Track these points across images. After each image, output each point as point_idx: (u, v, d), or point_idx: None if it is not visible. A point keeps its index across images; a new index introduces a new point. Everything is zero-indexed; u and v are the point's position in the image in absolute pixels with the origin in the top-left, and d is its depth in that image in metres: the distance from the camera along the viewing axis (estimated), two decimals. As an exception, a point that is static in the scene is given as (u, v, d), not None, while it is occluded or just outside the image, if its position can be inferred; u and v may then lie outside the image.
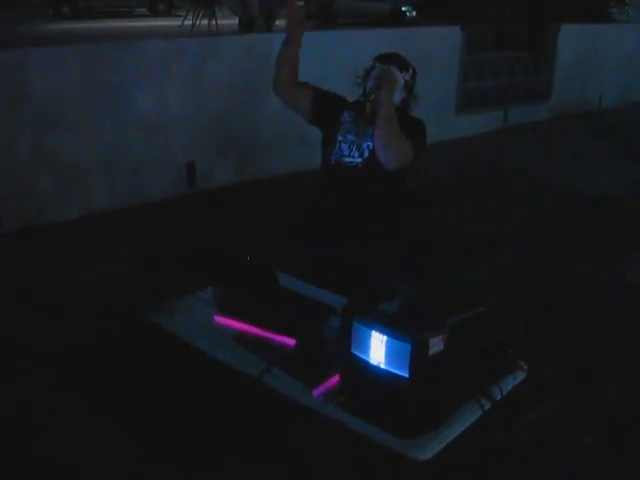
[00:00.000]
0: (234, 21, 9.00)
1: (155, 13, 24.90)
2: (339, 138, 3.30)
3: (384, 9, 22.93)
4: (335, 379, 2.41)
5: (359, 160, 3.25)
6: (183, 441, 3.22)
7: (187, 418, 3.30)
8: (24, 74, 5.79)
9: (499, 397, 2.39)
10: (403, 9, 23.26)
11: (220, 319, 2.88)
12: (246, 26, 8.45)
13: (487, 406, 2.34)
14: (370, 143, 3.21)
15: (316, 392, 2.40)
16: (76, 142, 6.16)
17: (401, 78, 3.26)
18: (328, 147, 3.37)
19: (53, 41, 12.60)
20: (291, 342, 2.65)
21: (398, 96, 3.25)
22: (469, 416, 2.32)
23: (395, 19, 22.03)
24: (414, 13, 23.35)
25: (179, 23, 9.84)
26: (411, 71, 3.32)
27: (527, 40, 10.32)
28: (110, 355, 3.90)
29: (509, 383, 2.50)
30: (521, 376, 2.57)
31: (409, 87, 3.31)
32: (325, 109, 3.39)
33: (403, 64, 3.30)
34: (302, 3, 20.46)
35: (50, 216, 5.86)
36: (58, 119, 5.99)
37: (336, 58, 7.41)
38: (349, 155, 3.27)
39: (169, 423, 3.34)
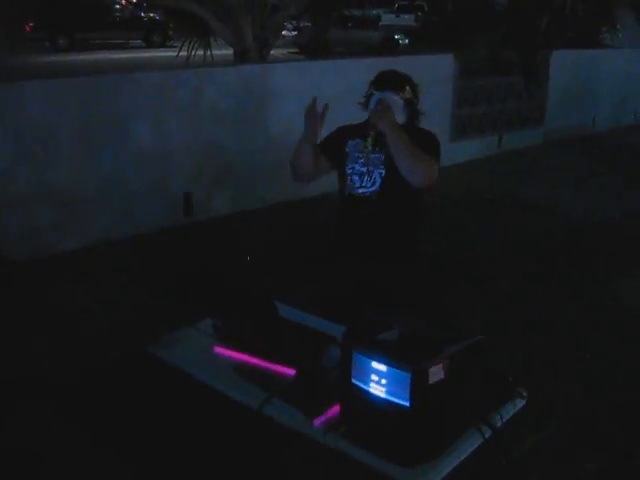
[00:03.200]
0: (229, 51, 9.08)
1: (150, 44, 25.10)
2: (348, 171, 3.33)
3: (377, 37, 23.19)
4: (336, 409, 2.41)
5: (372, 189, 3.28)
6: (183, 473, 3.21)
7: (186, 450, 3.28)
8: (22, 107, 5.84)
9: (499, 424, 2.39)
10: (395, 37, 23.50)
11: (219, 350, 2.88)
12: (241, 56, 8.53)
13: (488, 433, 2.35)
14: (382, 171, 3.24)
15: (317, 422, 2.40)
16: (73, 173, 6.19)
17: (399, 100, 3.28)
18: (341, 181, 3.41)
19: (50, 73, 12.66)
20: (291, 372, 2.65)
21: (402, 117, 3.29)
22: (470, 444, 2.33)
23: (388, 47, 22.25)
24: (406, 41, 23.59)
25: (174, 54, 9.93)
26: (408, 88, 3.35)
27: (520, 66, 10.42)
28: (109, 387, 3.88)
29: (509, 410, 2.50)
30: (521, 403, 2.57)
31: (411, 103, 3.35)
32: (333, 152, 3.41)
33: (398, 85, 3.33)
34: (295, 33, 20.52)
35: (49, 247, 5.87)
36: (55, 151, 6.03)
37: (331, 87, 7.47)
38: (361, 186, 3.30)
39: (169, 455, 3.32)
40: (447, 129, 9.55)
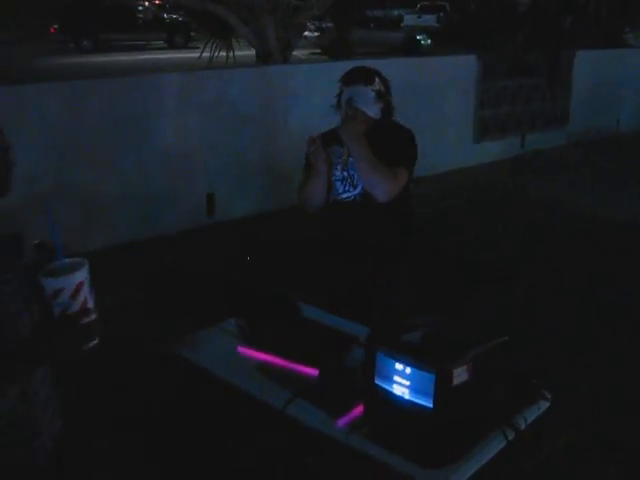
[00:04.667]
0: (251, 52, 9.11)
1: (173, 46, 25.24)
2: (332, 178, 3.32)
3: (399, 38, 23.14)
4: (359, 409, 2.42)
5: (355, 192, 3.27)
6: (205, 472, 3.23)
7: (210, 449, 3.30)
8: (47, 108, 5.91)
9: (523, 427, 2.38)
10: (418, 38, 23.44)
11: (243, 350, 2.90)
12: (263, 58, 8.55)
13: (511, 436, 2.33)
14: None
15: (340, 422, 2.40)
16: (97, 174, 6.26)
17: (369, 91, 3.22)
18: (328, 188, 3.38)
19: (75, 75, 12.79)
20: (314, 372, 2.66)
21: (375, 109, 3.23)
22: (493, 446, 2.31)
23: (410, 48, 22.20)
24: (429, 41, 23.51)
25: (197, 55, 9.97)
26: (378, 80, 3.27)
27: (543, 67, 10.37)
28: (133, 387, 3.92)
29: (533, 413, 2.48)
30: (545, 405, 2.55)
31: (382, 94, 3.27)
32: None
33: (367, 78, 3.26)
34: (317, 33, 20.54)
35: (73, 248, 5.92)
36: (80, 152, 6.09)
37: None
38: (344, 191, 3.30)
39: (192, 454, 3.34)
40: (470, 130, 9.53)
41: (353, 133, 3.18)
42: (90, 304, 1.80)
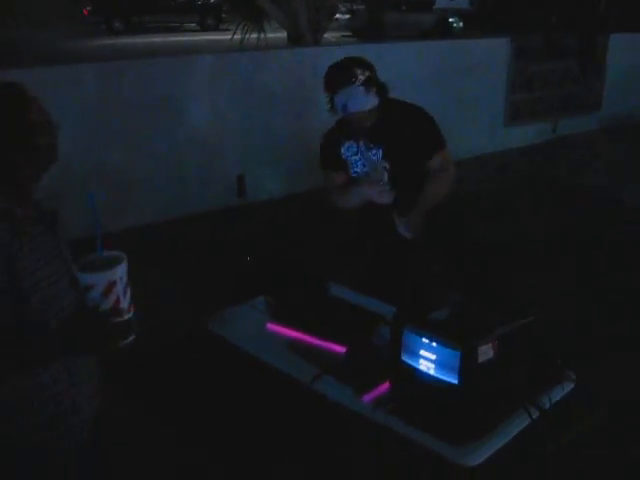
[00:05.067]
0: (282, 34, 9.12)
1: (204, 27, 25.30)
2: (354, 175, 3.34)
3: (430, 21, 22.94)
4: (385, 386, 2.47)
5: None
6: (234, 445, 3.30)
7: (238, 423, 3.37)
8: (81, 88, 5.99)
9: (548, 406, 2.41)
10: (450, 20, 23.23)
11: (272, 327, 2.96)
12: (294, 40, 8.56)
13: (535, 415, 2.37)
14: (385, 164, 3.24)
15: (366, 398, 2.45)
16: (130, 154, 6.34)
17: (357, 88, 3.11)
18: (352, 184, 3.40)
19: (107, 56, 12.89)
20: (342, 349, 2.71)
21: (370, 99, 3.13)
22: (517, 424, 2.35)
23: (442, 30, 22.01)
24: (461, 24, 23.30)
25: (228, 37, 10.00)
26: (358, 70, 3.14)
27: (577, 50, 10.24)
28: (164, 362, 4.00)
29: (558, 393, 2.52)
30: (569, 386, 2.58)
31: (368, 80, 3.14)
32: (341, 165, 3.39)
33: (347, 76, 3.13)
34: (348, 16, 20.43)
35: (105, 225, 6.02)
36: (113, 132, 6.17)
37: (384, 71, 7.47)
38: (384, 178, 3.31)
39: (220, 428, 3.42)
40: (501, 114, 9.46)
41: (418, 227, 3.23)
42: (123, 303, 1.81)
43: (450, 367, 2.16)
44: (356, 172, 3.33)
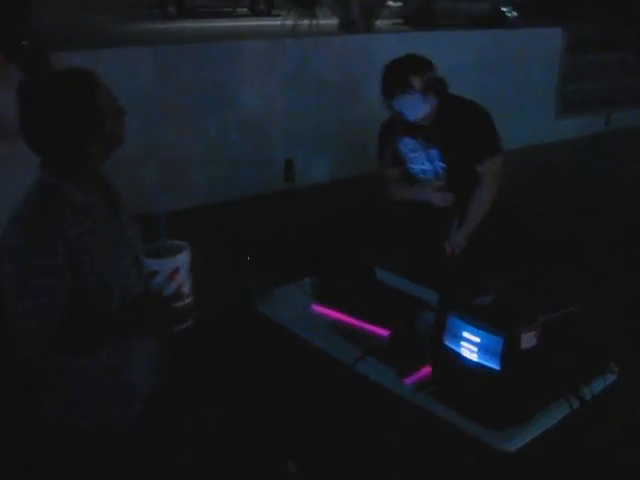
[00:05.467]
0: (334, 21, 9.14)
1: (256, 13, 25.35)
2: (410, 171, 3.35)
3: (484, 9, 22.63)
4: (427, 370, 2.50)
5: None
6: (277, 426, 3.37)
7: (281, 403, 3.44)
8: (134, 71, 6.10)
9: (588, 397, 2.42)
10: (503, 9, 22.89)
11: (317, 308, 3.01)
12: (346, 26, 8.57)
13: (576, 405, 2.38)
14: (442, 163, 3.25)
15: (408, 381, 2.49)
16: (180, 137, 6.45)
17: (413, 96, 3.08)
18: (408, 178, 3.42)
19: (160, 40, 13.02)
20: (385, 333, 2.75)
21: (428, 104, 3.11)
22: (557, 413, 2.37)
23: (495, 20, 21.71)
24: (515, 13, 22.94)
25: (279, 23, 10.05)
26: (411, 77, 3.09)
27: (633, 41, 10.03)
28: (210, 340, 4.08)
29: (599, 384, 2.51)
30: (611, 378, 2.57)
31: (426, 86, 3.09)
32: (398, 159, 3.41)
33: (402, 85, 3.08)
34: (400, 3, 20.24)
35: (154, 206, 6.13)
36: (164, 115, 6.28)
37: (436, 59, 7.44)
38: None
39: (263, 407, 3.49)
40: (552, 105, 9.35)
41: (461, 244, 3.28)
42: (185, 288, 1.89)
43: (492, 353, 2.18)
44: (413, 169, 3.34)
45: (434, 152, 3.24)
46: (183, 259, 1.84)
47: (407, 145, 3.30)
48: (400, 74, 3.09)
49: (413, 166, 3.33)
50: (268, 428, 3.40)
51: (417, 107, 3.10)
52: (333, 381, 2.82)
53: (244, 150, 6.86)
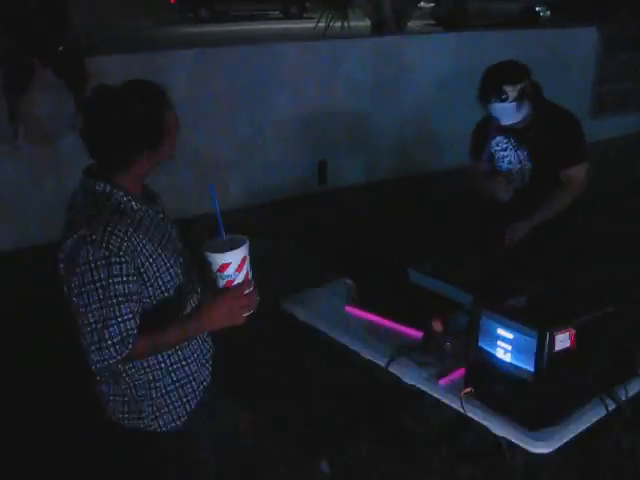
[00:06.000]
0: (366, 23, 9.14)
1: (288, 16, 25.45)
2: (498, 170, 3.39)
3: (517, 9, 22.46)
4: (461, 371, 2.50)
5: (523, 182, 3.35)
6: (310, 422, 3.39)
7: (314, 401, 3.46)
8: (168, 75, 6.15)
9: (624, 399, 2.41)
10: (537, 9, 22.70)
11: (351, 309, 3.03)
12: (378, 28, 8.56)
13: (611, 407, 2.37)
14: (529, 164, 3.30)
15: (442, 382, 2.50)
16: (214, 140, 6.52)
17: (508, 105, 3.14)
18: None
19: (193, 43, 13.14)
20: (419, 334, 2.76)
21: (522, 112, 3.18)
22: (592, 415, 2.36)
23: (528, 19, 21.54)
24: (548, 13, 22.73)
25: (311, 25, 10.07)
26: (511, 87, 3.15)
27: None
28: (244, 340, 4.11)
29: (635, 386, 2.50)
30: (647, 380, 2.56)
31: (522, 94, 3.16)
32: (480, 156, 3.48)
33: (499, 93, 3.14)
34: (432, 4, 20.11)
35: (189, 209, 6.20)
36: (198, 118, 6.33)
37: (468, 60, 7.45)
38: (512, 180, 3.36)
39: (296, 408, 3.51)
40: (587, 105, 9.25)
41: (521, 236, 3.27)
42: (251, 275, 1.96)
43: (526, 354, 2.18)
44: (501, 167, 3.40)
45: (523, 153, 3.32)
46: (247, 249, 1.92)
47: (499, 143, 3.38)
48: (497, 82, 3.17)
49: (501, 164, 3.40)
50: (301, 428, 3.43)
51: (511, 115, 3.19)
52: (367, 382, 2.84)
53: (277, 152, 6.91)
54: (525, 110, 3.20)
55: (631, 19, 10.29)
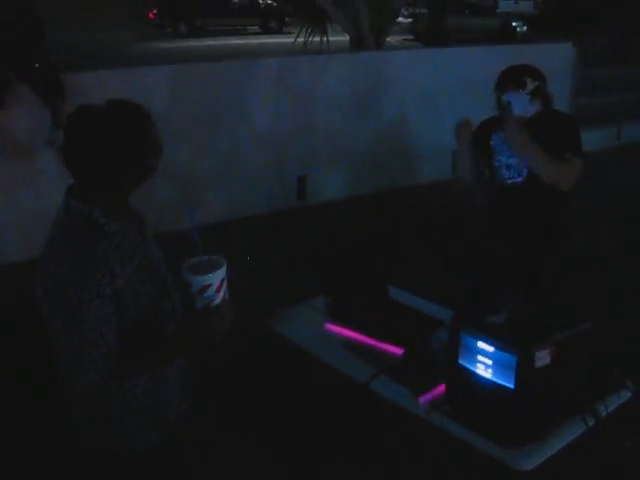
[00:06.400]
0: (345, 38, 9.18)
1: (267, 31, 25.53)
2: (496, 164, 3.44)
3: (494, 25, 22.71)
4: (441, 388, 2.50)
5: (520, 179, 3.38)
6: (292, 440, 3.36)
7: (295, 418, 3.44)
8: (148, 90, 6.14)
9: (604, 415, 2.41)
10: (514, 24, 22.95)
11: (331, 326, 3.02)
12: (357, 43, 8.61)
13: (591, 422, 2.37)
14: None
15: (422, 400, 2.49)
16: (193, 154, 6.49)
17: (523, 96, 3.30)
18: (490, 173, 3.53)
19: (173, 59, 13.16)
20: (399, 351, 2.75)
21: (531, 109, 3.31)
22: (573, 431, 2.37)
23: (505, 35, 21.78)
24: (525, 28, 23.00)
25: (290, 40, 10.10)
26: (529, 79, 3.33)
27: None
28: (223, 361, 4.09)
29: (614, 401, 2.52)
30: (626, 395, 2.57)
31: (537, 92, 3.34)
32: (482, 146, 3.51)
33: (518, 82, 3.33)
34: (410, 19, 20.23)
35: (167, 225, 6.16)
36: (177, 133, 6.31)
37: (447, 75, 7.51)
38: (509, 177, 3.41)
39: (277, 424, 3.49)
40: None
41: (520, 141, 3.28)
42: (227, 297, 1.96)
43: (506, 371, 2.18)
44: (500, 160, 3.45)
45: None
46: (225, 270, 1.92)
47: (500, 137, 3.43)
48: (517, 72, 3.38)
49: (500, 158, 3.45)
50: (282, 445, 3.40)
51: (524, 104, 3.32)
52: (347, 399, 2.83)
53: (257, 168, 6.89)
54: (535, 107, 3.33)
55: (610, 33, 10.41)
